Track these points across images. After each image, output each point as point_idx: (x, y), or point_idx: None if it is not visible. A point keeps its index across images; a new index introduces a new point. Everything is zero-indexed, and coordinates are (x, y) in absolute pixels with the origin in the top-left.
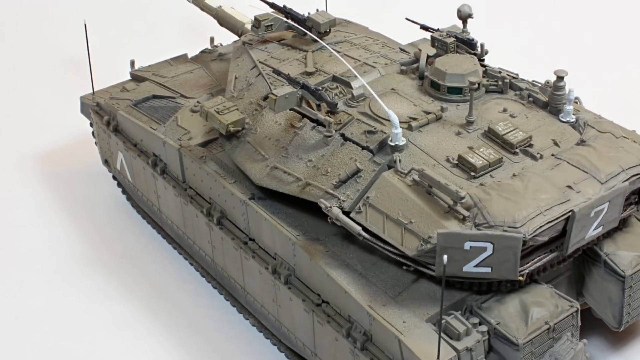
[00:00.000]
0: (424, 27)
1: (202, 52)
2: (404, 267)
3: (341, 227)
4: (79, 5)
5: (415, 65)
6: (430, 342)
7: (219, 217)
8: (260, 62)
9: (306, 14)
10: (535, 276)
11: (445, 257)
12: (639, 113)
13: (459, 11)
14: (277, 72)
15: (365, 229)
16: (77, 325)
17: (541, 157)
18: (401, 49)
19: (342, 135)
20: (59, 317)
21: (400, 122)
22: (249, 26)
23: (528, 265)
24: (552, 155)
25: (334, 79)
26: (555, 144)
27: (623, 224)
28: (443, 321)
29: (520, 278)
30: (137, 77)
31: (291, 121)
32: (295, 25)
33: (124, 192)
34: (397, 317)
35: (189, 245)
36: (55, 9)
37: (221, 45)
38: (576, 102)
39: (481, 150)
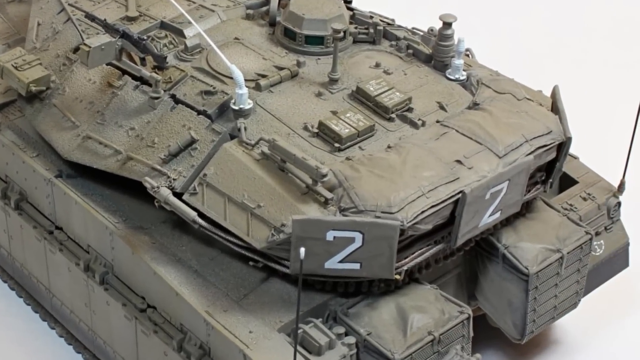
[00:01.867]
0: None
1: None
2: (251, 263)
3: (172, 212)
4: None
5: (264, 9)
6: (284, 357)
7: (18, 200)
8: (69, 4)
9: None
10: (416, 274)
11: (302, 250)
12: (546, 69)
13: None
14: (91, 17)
15: (201, 215)
16: None
17: (423, 124)
18: None
19: (173, 96)
20: None
21: (246, 80)
22: None
23: (407, 260)
24: (437, 121)
25: (163, 25)
26: (442, 107)
27: (526, 208)
28: (300, 331)
29: (397, 277)
30: None
31: (108, 79)
32: None
33: None
34: (242, 325)
35: None
36: None
37: None
38: (467, 55)
39: (348, 115)
